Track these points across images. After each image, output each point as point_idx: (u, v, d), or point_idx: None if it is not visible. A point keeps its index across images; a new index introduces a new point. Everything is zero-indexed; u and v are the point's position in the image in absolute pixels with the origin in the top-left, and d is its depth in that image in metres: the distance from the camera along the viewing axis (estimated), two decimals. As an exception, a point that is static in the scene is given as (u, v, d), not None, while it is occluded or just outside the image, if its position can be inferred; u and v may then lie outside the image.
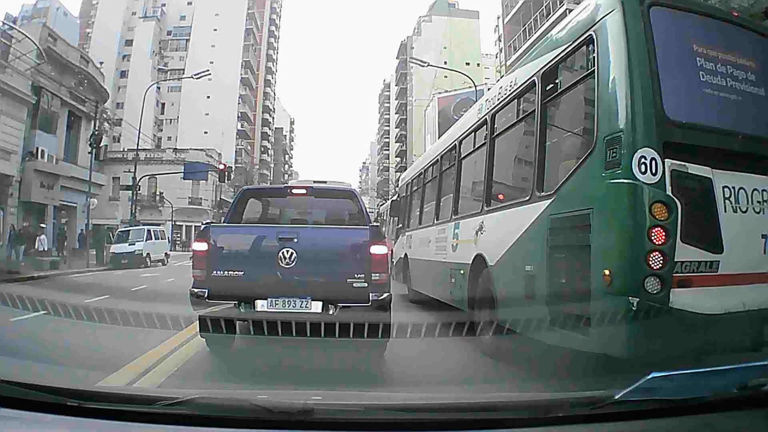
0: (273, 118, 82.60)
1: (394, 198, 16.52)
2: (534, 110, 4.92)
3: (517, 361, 4.96)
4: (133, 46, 63.35)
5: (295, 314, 4.65)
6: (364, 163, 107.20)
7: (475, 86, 25.21)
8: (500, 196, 5.90)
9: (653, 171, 3.47)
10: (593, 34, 4.01)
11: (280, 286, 4.80)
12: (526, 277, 4.63)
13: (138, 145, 30.85)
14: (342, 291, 4.80)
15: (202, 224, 5.43)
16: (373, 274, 4.84)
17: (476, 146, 6.85)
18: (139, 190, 32.14)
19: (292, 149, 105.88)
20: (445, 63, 45.18)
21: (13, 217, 22.62)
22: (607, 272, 3.53)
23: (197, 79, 29.23)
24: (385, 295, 4.87)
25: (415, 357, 5.15)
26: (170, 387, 3.99)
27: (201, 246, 5.00)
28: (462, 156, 7.46)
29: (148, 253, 24.66)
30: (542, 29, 25.43)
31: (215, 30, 63.72)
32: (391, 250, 11.76)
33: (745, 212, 3.72)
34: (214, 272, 4.86)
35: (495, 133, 6.10)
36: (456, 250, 7.08)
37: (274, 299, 4.76)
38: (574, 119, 4.58)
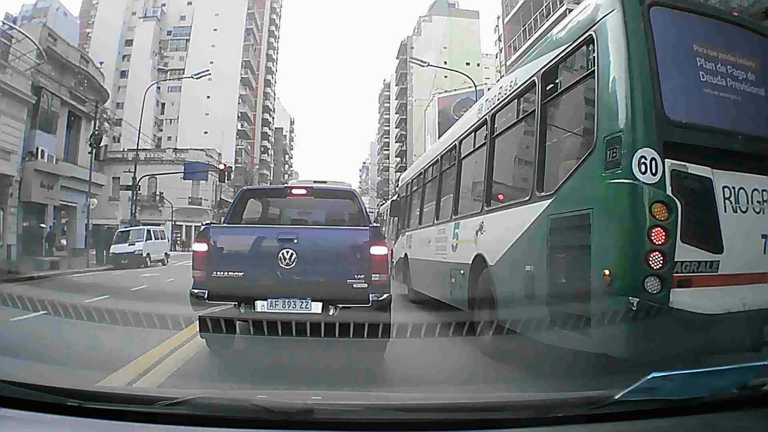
0: (273, 118, 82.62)
1: (394, 198, 16.51)
2: (534, 110, 4.92)
3: (517, 361, 4.96)
4: (133, 46, 63.42)
5: (295, 315, 4.64)
6: (364, 163, 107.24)
7: (475, 86, 25.20)
8: (500, 196, 5.89)
9: (653, 171, 3.47)
10: (593, 34, 4.00)
11: (280, 287, 4.80)
12: (526, 277, 4.63)
13: (138, 145, 30.86)
14: (342, 291, 4.79)
15: (203, 225, 5.43)
16: (373, 275, 4.84)
17: (476, 146, 6.84)
18: (139, 190, 32.13)
19: (292, 149, 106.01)
20: (445, 63, 45.23)
21: (13, 217, 22.60)
22: (607, 272, 3.53)
23: (197, 79, 29.22)
24: (385, 295, 4.87)
25: (415, 357, 5.14)
26: (170, 387, 3.99)
27: (201, 246, 5.00)
28: (462, 156, 7.46)
29: (148, 253, 24.66)
30: (542, 29, 25.41)
31: (215, 30, 63.78)
32: (391, 250, 11.76)
33: (745, 212, 3.71)
34: (214, 273, 4.86)
35: (495, 133, 6.10)
36: (456, 250, 7.08)
37: (273, 300, 4.76)
38: (574, 119, 4.58)
